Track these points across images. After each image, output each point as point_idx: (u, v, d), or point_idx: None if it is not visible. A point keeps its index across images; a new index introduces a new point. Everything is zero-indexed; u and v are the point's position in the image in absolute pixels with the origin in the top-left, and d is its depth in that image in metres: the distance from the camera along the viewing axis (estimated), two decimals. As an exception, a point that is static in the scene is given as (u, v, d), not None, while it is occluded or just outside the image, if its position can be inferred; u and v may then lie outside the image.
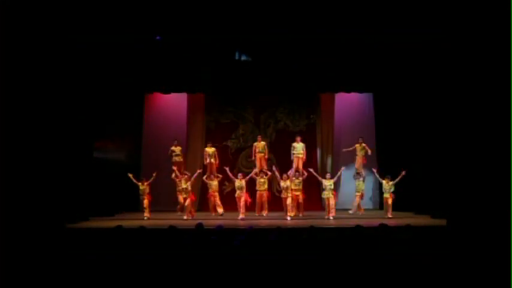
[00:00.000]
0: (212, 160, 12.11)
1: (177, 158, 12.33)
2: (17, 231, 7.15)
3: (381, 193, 11.63)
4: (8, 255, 5.59)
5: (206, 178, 11.92)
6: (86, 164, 10.90)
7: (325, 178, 11.23)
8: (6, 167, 7.77)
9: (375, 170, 11.68)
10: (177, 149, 12.40)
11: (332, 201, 10.98)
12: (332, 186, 11.09)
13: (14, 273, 4.99)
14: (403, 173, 10.92)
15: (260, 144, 12.16)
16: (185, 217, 10.87)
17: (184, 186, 11.28)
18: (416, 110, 11.58)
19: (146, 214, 11.17)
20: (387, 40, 10.19)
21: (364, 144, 12.16)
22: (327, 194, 11.04)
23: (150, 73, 11.45)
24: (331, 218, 10.72)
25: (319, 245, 5.49)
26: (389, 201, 11.04)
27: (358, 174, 11.91)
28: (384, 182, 11.14)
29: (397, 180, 11.00)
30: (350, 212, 11.75)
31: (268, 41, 10.51)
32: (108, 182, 11.55)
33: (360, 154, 12.17)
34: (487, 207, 7.92)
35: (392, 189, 11.07)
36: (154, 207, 11.85)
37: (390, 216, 10.85)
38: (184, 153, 12.90)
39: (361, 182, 11.78)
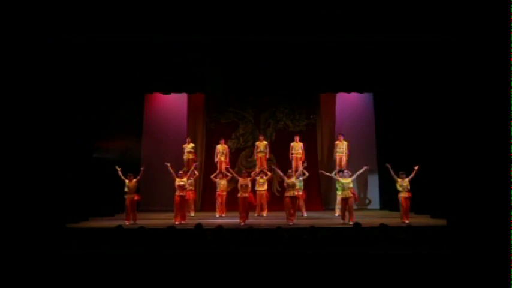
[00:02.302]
0: (222, 158, 12.09)
1: (187, 155, 12.25)
2: (17, 231, 7.16)
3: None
4: (8, 255, 5.60)
5: (215, 177, 11.80)
6: (86, 164, 10.89)
7: (343, 177, 10.15)
8: (6, 167, 7.78)
9: (389, 166, 10.13)
10: (189, 147, 12.33)
11: (351, 203, 9.79)
12: (351, 185, 9.85)
13: (14, 273, 4.99)
14: (417, 167, 9.77)
15: (261, 144, 12.18)
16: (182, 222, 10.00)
17: (181, 183, 10.22)
18: (416, 110, 11.57)
19: (127, 220, 9.93)
20: (387, 41, 10.19)
21: (345, 141, 11.91)
22: (346, 194, 9.77)
23: (150, 73, 11.45)
24: (351, 223, 8.92)
25: (320, 244, 5.50)
26: (407, 202, 9.80)
27: (341, 172, 10.69)
28: (399, 179, 9.91)
29: (412, 176, 9.78)
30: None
31: (268, 42, 10.51)
32: (108, 182, 11.52)
33: (340, 151, 11.87)
34: (487, 207, 7.92)
35: (408, 187, 9.82)
36: (154, 207, 11.83)
37: (407, 221, 9.52)
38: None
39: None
